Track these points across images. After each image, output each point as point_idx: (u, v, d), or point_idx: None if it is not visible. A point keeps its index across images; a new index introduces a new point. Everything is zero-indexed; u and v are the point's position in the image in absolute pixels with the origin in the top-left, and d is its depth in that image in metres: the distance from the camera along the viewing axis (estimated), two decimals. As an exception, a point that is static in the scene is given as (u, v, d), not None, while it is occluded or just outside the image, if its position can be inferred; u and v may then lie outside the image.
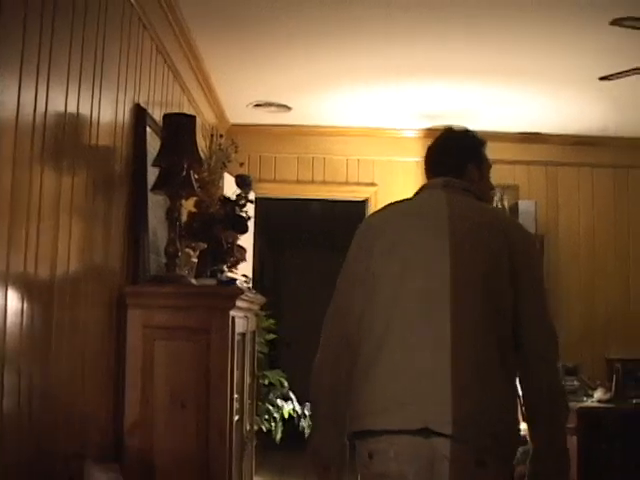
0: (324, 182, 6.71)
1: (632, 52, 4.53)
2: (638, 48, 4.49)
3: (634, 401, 5.96)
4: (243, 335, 3.95)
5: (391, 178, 6.70)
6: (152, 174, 3.69)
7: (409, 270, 2.46)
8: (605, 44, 4.56)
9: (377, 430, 2.36)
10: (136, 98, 3.76)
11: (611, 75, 4.46)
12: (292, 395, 6.30)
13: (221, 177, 4.74)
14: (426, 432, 2.26)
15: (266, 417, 5.49)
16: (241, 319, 3.77)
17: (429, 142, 2.92)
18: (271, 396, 5.61)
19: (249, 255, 6.48)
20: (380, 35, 4.68)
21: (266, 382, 5.87)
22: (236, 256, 4.41)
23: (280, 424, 5.74)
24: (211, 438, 3.28)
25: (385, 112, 6.35)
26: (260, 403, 5.18)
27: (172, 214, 3.60)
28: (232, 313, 3.43)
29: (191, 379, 3.30)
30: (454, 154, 2.76)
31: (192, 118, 3.77)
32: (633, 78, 4.86)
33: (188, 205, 4.20)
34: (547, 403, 2.45)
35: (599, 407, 5.86)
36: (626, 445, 5.70)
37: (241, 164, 4.73)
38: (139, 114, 3.78)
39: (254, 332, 4.63)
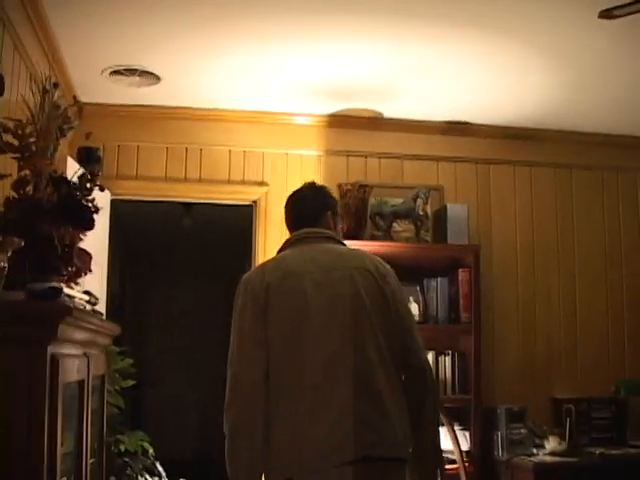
0: (200, 180, 5.24)
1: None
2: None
3: (597, 451, 4.72)
4: (81, 384, 2.45)
5: (285, 176, 5.32)
6: None
7: (308, 332, 2.67)
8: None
9: None
10: None
11: (615, 8, 3.14)
12: (159, 468, 4.20)
13: (56, 148, 3.18)
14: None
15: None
16: (74, 359, 2.31)
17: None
18: (129, 471, 3.60)
19: (100, 269, 5.00)
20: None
21: (122, 449, 3.73)
22: (75, 264, 2.90)
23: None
24: None
25: (276, 92, 4.99)
26: None
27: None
28: (53, 349, 2.00)
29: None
30: (312, 205, 3.05)
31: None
32: (587, 55, 4.13)
33: (4, 187, 2.81)
34: None
35: (557, 462, 4.57)
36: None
37: (88, 134, 3.20)
38: None
39: (102, 377, 3.04)
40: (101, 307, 4.65)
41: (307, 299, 2.70)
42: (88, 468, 2.39)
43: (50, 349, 1.93)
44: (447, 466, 4.16)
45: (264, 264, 2.96)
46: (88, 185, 2.94)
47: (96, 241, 4.84)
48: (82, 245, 2.94)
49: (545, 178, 5.68)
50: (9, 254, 2.31)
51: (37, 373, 1.87)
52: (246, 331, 2.70)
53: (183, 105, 5.19)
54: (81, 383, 2.39)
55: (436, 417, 2.88)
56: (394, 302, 2.79)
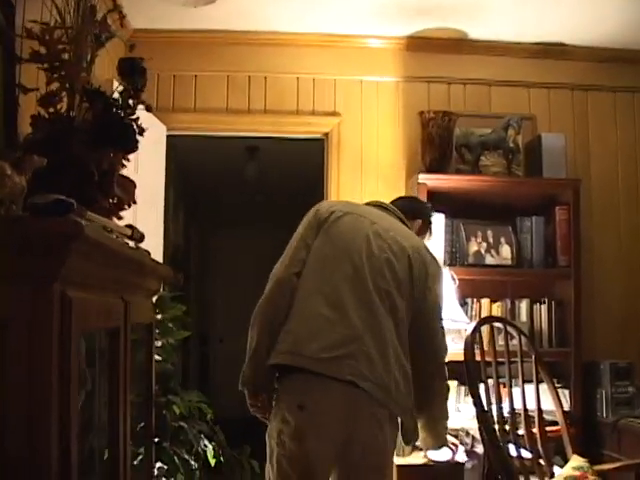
0: (265, 112, 4.73)
1: None
2: None
3: None
4: (114, 334, 1.89)
5: (359, 105, 4.78)
6: None
7: (346, 262, 2.87)
8: None
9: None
10: None
11: None
12: (218, 432, 3.53)
13: (93, 59, 2.66)
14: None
15: (181, 471, 2.93)
16: (101, 301, 1.74)
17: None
18: (182, 437, 3.09)
19: (156, 211, 4.55)
20: None
21: (177, 412, 3.16)
22: (116, 194, 2.40)
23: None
24: None
25: (348, 12, 4.44)
26: (167, 446, 2.77)
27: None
28: (64, 287, 1.43)
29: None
30: (410, 206, 3.37)
31: None
32: None
33: (29, 103, 2.32)
34: None
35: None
36: None
37: (131, 46, 2.68)
38: None
39: (150, 327, 2.51)
40: (157, 254, 4.20)
41: (359, 237, 2.91)
42: (126, 436, 1.88)
43: (59, 286, 1.38)
44: (548, 428, 3.64)
45: (338, 200, 3.25)
46: (131, 102, 2.45)
47: (152, 179, 4.40)
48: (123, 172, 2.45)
49: (648, 106, 5.04)
50: (28, 175, 1.81)
51: (40, 319, 1.31)
52: (296, 238, 2.99)
53: (244, 29, 4.66)
54: (114, 332, 1.86)
55: (440, 399, 3.07)
56: (423, 298, 2.94)
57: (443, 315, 3.14)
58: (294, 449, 2.65)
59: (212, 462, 2.68)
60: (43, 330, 1.32)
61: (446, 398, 3.08)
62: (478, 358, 3.40)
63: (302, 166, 6.71)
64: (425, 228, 3.37)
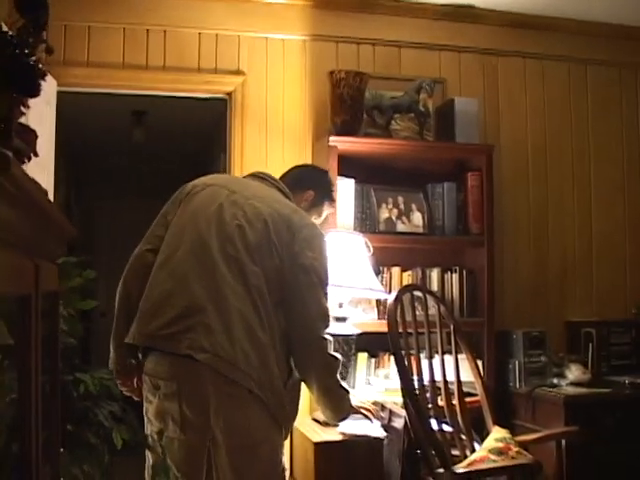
0: (164, 68, 4.41)
1: None
2: None
3: (625, 381, 4.13)
4: (24, 302, 1.56)
5: (264, 63, 4.52)
6: None
7: (195, 232, 2.83)
8: None
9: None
10: None
11: None
12: (129, 413, 2.65)
13: None
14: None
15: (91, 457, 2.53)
16: (8, 262, 1.38)
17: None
18: (92, 417, 2.59)
19: (47, 174, 4.20)
20: None
21: (80, 390, 2.64)
22: (14, 144, 2.09)
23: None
24: None
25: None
26: (71, 430, 2.39)
27: None
28: None
29: None
30: (304, 177, 3.34)
31: None
32: None
33: None
34: None
35: (587, 394, 3.96)
36: (627, 447, 3.86)
37: None
38: None
39: (55, 296, 2.14)
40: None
41: (212, 206, 2.87)
42: (38, 419, 1.59)
43: None
44: (467, 399, 3.52)
45: (209, 176, 3.19)
46: (31, 40, 2.14)
47: (42, 140, 4.04)
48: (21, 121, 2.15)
49: (558, 73, 4.97)
50: None
51: None
52: (160, 214, 3.01)
53: (143, -22, 4.34)
54: (25, 301, 1.53)
55: (324, 372, 2.87)
56: (292, 261, 2.81)
57: (334, 281, 3.12)
58: (159, 426, 2.68)
59: (119, 445, 2.41)
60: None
61: (333, 369, 2.89)
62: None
63: (196, 131, 6.41)
64: (319, 198, 3.30)
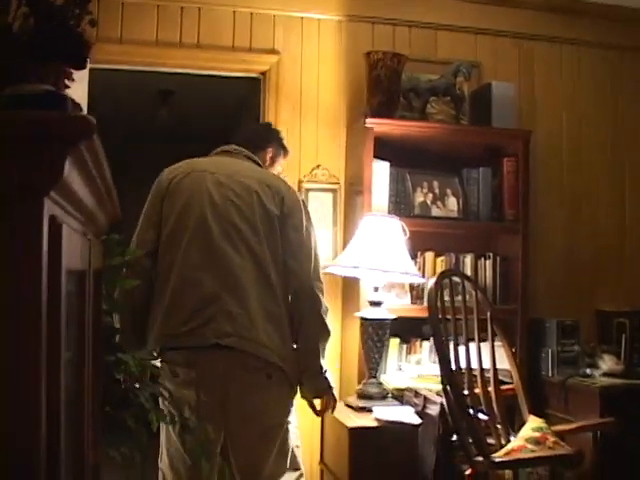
0: (198, 46, 4.36)
1: None
2: None
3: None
4: (81, 278, 1.48)
5: (299, 43, 4.46)
6: None
7: (193, 221, 2.87)
8: None
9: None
10: None
11: None
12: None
13: None
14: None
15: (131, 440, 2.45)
16: (76, 234, 1.34)
17: None
18: (132, 399, 2.49)
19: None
20: None
21: (121, 371, 2.58)
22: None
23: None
24: None
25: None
26: (110, 412, 2.35)
27: None
28: (53, 208, 1.05)
29: None
30: (258, 137, 3.36)
31: None
32: None
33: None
34: None
35: (623, 385, 3.91)
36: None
37: None
38: None
39: (99, 274, 2.05)
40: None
41: (199, 193, 2.91)
42: (89, 401, 1.55)
43: (49, 206, 0.99)
44: (502, 387, 3.48)
45: (181, 163, 3.13)
46: (77, 11, 2.09)
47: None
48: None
49: (594, 59, 4.89)
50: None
51: (26, 247, 0.97)
52: (143, 217, 2.98)
53: (178, -46, 4.28)
54: (81, 278, 1.45)
55: (314, 339, 2.91)
56: (283, 224, 2.91)
57: (371, 265, 3.31)
58: (174, 414, 2.63)
59: (155, 428, 2.38)
60: (29, 261, 0.98)
61: (322, 348, 2.94)
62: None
63: (221, 110, 6.34)
64: (277, 153, 3.36)
